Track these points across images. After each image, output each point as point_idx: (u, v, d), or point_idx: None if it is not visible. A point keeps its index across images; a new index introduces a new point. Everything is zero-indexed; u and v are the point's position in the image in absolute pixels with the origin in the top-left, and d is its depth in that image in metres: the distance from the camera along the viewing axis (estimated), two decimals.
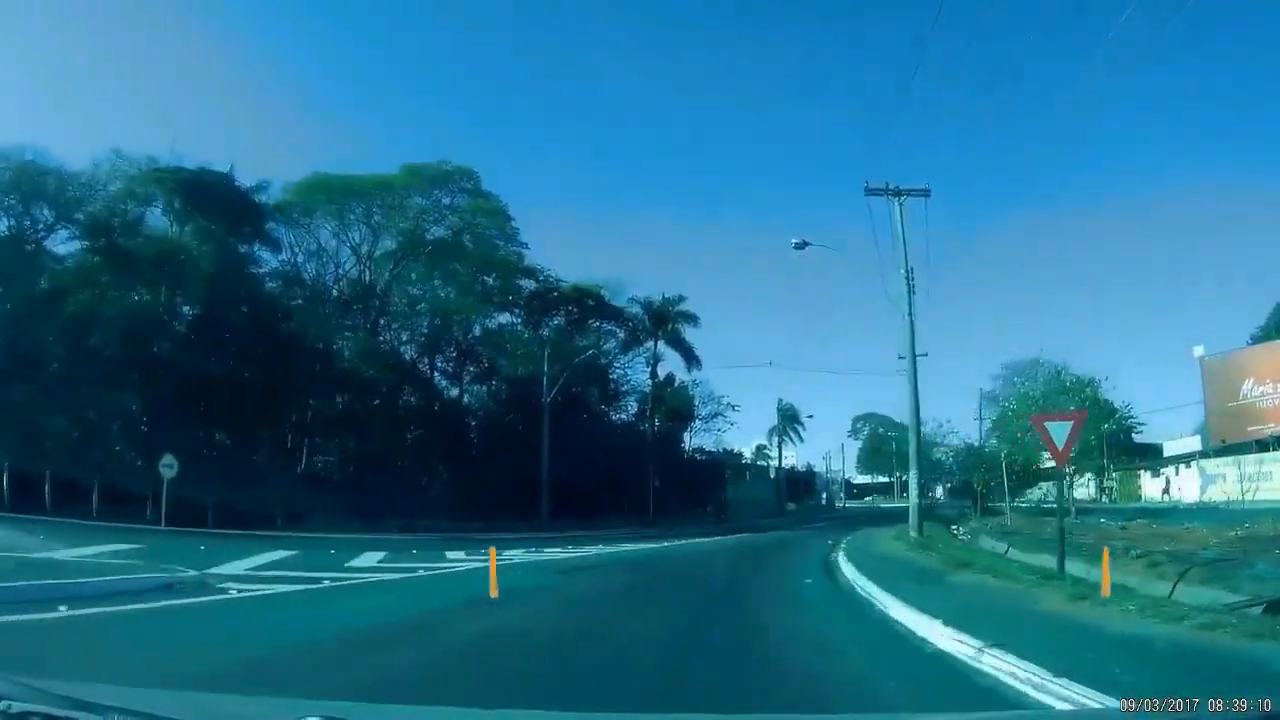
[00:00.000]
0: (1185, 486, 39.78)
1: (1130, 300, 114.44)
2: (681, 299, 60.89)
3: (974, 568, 13.86)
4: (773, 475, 69.52)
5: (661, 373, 60.29)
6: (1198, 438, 41.10)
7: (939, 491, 62.30)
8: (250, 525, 26.38)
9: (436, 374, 52.21)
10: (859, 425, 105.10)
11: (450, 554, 19.54)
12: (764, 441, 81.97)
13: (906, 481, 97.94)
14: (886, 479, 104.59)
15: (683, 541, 26.90)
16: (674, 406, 59.66)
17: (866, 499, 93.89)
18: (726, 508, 57.21)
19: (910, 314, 22.96)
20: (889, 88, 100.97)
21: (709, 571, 17.86)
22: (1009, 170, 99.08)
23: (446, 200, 49.84)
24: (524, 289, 53.89)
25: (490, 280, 51.74)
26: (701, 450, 59.95)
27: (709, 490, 58.12)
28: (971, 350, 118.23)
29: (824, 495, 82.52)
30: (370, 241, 49.52)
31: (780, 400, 74.15)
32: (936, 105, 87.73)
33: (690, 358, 60.32)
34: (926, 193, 24.54)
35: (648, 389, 59.41)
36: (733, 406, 59.40)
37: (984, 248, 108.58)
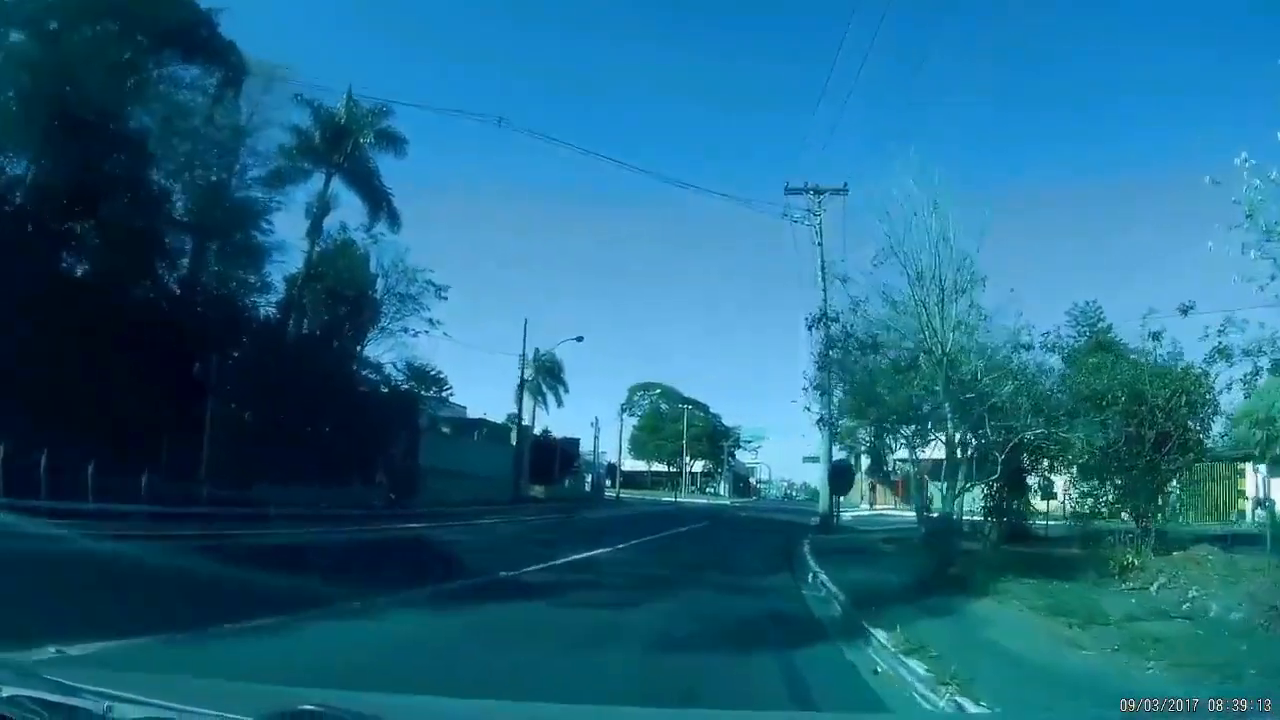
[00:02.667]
0: None
1: None
2: (385, 111, 33.83)
3: None
4: (514, 439, 43.08)
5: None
6: None
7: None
8: None
9: None
10: (637, 397, 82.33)
11: None
12: (515, 411, 55.63)
13: (697, 472, 73.15)
14: (666, 467, 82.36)
15: None
16: (341, 282, 31.48)
17: (640, 491, 70.32)
18: (417, 481, 30.12)
19: None
20: None
21: None
22: None
23: None
24: None
25: None
26: (376, 371, 32.25)
27: (390, 446, 30.54)
28: None
29: (589, 479, 57.74)
30: None
31: (529, 347, 48.28)
32: None
33: (379, 203, 33.05)
34: None
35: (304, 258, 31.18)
36: (438, 290, 32.70)
37: None
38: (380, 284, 31.68)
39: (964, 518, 13.91)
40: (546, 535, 19.98)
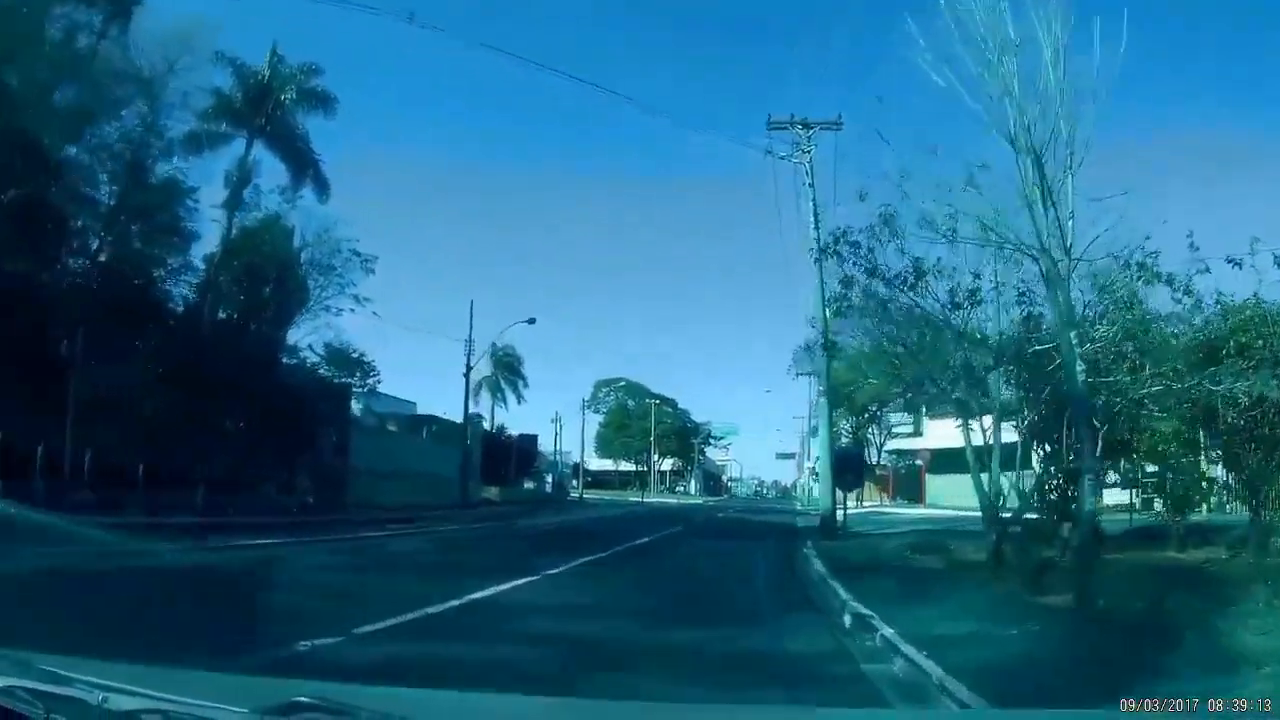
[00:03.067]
0: None
1: None
2: (314, 70, 30.27)
3: None
4: (467, 436, 39.25)
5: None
6: None
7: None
8: None
9: None
10: (602, 393, 78.93)
11: None
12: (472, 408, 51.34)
13: (666, 471, 68.47)
14: (634, 466, 79.09)
15: None
16: (263, 259, 27.62)
17: (607, 491, 66.86)
18: (345, 483, 26.35)
19: None
20: None
21: None
22: None
23: None
24: None
25: None
26: (294, 356, 28.41)
27: (316, 444, 26.72)
28: None
29: (549, 479, 54.04)
30: None
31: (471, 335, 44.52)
32: None
33: (306, 169, 29.48)
34: None
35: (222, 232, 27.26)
36: (364, 261, 28.95)
37: None
38: (304, 255, 27.74)
39: (1004, 515, 10.64)
40: (459, 554, 14.98)
